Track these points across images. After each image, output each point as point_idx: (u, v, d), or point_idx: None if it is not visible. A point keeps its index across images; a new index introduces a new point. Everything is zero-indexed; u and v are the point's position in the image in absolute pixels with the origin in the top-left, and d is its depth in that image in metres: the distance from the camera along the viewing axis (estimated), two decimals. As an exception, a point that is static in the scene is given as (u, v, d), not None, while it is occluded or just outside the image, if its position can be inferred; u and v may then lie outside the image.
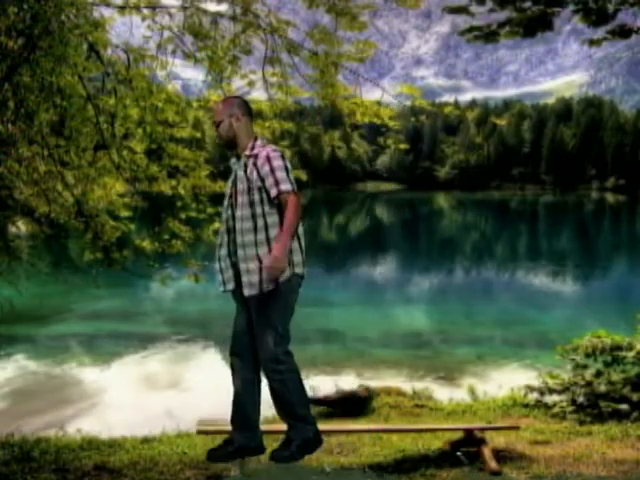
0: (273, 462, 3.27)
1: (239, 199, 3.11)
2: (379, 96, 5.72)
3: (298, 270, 3.13)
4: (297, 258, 3.13)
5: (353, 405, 7.42)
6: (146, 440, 5.54)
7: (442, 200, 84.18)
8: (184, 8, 5.25)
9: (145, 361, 10.55)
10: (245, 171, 3.12)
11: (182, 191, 5.50)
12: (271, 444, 5.22)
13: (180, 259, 5.74)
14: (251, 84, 5.60)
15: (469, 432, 4.81)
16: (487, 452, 4.54)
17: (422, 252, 30.77)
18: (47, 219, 5.20)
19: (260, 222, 3.06)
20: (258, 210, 3.06)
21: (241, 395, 3.23)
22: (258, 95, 6.19)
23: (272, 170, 3.03)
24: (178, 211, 5.65)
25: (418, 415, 7.24)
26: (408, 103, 5.65)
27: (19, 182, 4.87)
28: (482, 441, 4.64)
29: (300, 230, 3.15)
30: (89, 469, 4.28)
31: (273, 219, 3.07)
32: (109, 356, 10.63)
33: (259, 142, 3.20)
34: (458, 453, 4.83)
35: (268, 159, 3.06)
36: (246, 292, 3.07)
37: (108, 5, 5.10)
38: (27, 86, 4.29)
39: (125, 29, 5.68)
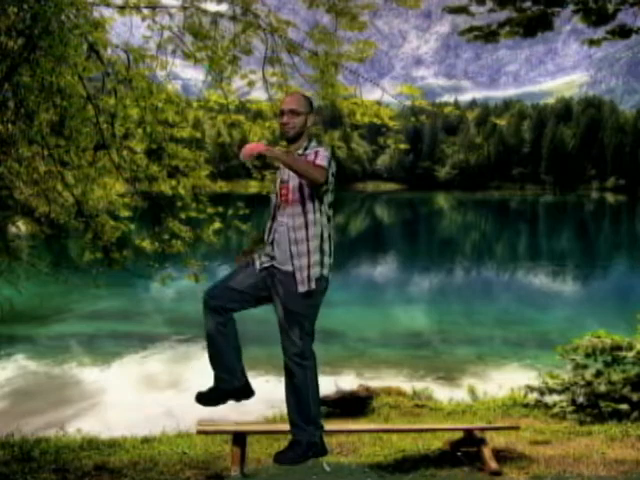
0: (276, 463, 3.26)
1: (290, 196, 3.14)
2: (379, 96, 5.71)
3: (325, 272, 3.16)
4: (327, 260, 3.17)
5: (353, 405, 7.42)
6: (146, 440, 5.55)
7: (442, 200, 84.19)
8: (184, 8, 5.25)
9: (145, 361, 10.55)
10: None
11: (182, 191, 5.50)
12: (271, 444, 5.23)
13: (180, 259, 5.74)
14: (251, 84, 5.59)
15: (469, 432, 4.81)
16: (487, 452, 4.54)
17: (422, 252, 30.77)
18: (47, 219, 5.20)
19: (311, 217, 3.11)
20: (309, 206, 3.11)
21: (212, 336, 3.23)
22: (258, 95, 6.18)
23: (316, 156, 3.08)
24: (178, 211, 5.65)
25: (418, 415, 7.24)
26: (408, 103, 5.65)
27: (19, 182, 4.87)
28: (482, 441, 4.64)
29: (332, 233, 3.20)
30: (89, 469, 4.28)
31: (324, 217, 3.13)
32: (109, 356, 10.63)
33: (314, 143, 3.24)
34: (458, 453, 4.83)
35: (316, 152, 3.12)
36: (300, 289, 3.09)
37: (108, 5, 5.10)
38: (27, 86, 4.29)
39: (125, 29, 5.68)
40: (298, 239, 3.11)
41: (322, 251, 3.13)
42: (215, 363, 3.27)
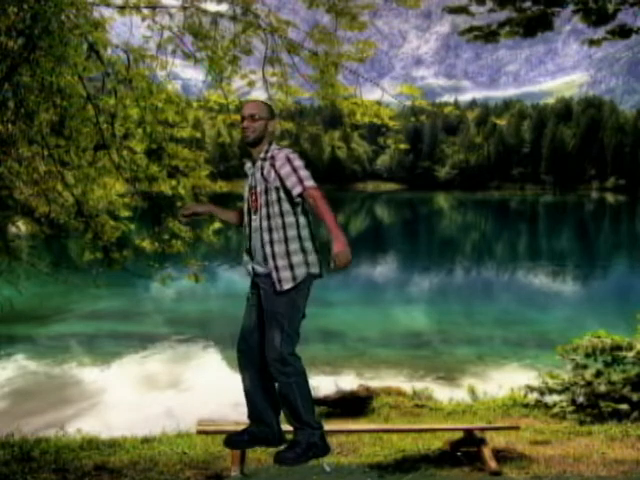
0: (277, 463, 3.24)
1: (259, 200, 3.17)
2: (379, 96, 5.71)
3: (312, 270, 3.15)
4: (311, 258, 3.16)
5: (353, 405, 7.42)
6: (146, 440, 5.55)
7: (442, 200, 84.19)
8: (184, 8, 5.25)
9: (145, 361, 10.55)
10: (262, 173, 3.18)
11: (182, 191, 5.50)
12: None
13: (180, 259, 5.74)
14: (251, 84, 5.59)
15: (469, 432, 4.81)
16: (487, 452, 4.54)
17: (422, 252, 30.77)
18: (47, 219, 5.19)
19: (277, 221, 3.12)
20: (275, 209, 3.12)
21: (250, 393, 3.25)
22: (258, 95, 6.17)
23: (294, 169, 3.09)
24: (178, 211, 5.64)
25: (418, 415, 7.24)
26: (408, 103, 5.65)
27: (19, 182, 4.87)
28: (482, 441, 4.64)
29: (312, 231, 3.21)
30: (89, 469, 4.28)
31: (290, 219, 3.13)
32: (109, 356, 10.63)
33: (274, 146, 3.26)
34: (458, 453, 4.83)
35: (288, 159, 3.12)
36: (277, 288, 3.10)
37: (108, 5, 5.09)
38: (27, 86, 4.29)
39: (125, 29, 5.67)
40: (274, 240, 3.11)
41: (304, 251, 3.13)
42: (252, 416, 3.30)
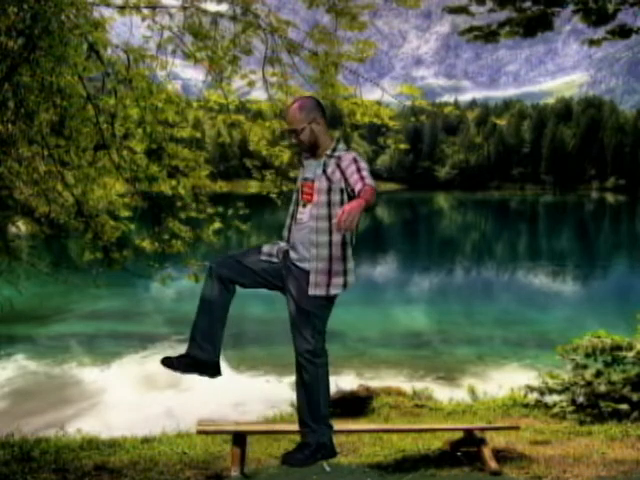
0: (285, 465, 3.22)
1: (315, 197, 3.08)
2: (379, 96, 5.71)
3: (350, 279, 3.17)
4: (351, 266, 3.17)
5: (353, 405, 7.42)
6: (146, 440, 5.55)
7: (442, 200, 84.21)
8: (184, 8, 5.25)
9: (145, 361, 10.55)
10: (325, 170, 3.10)
11: (182, 191, 5.50)
12: (271, 444, 5.23)
13: (180, 259, 5.74)
14: (251, 84, 5.59)
15: (469, 432, 4.80)
16: (487, 452, 4.54)
17: (422, 252, 30.76)
18: (47, 219, 5.20)
19: None
20: (338, 212, 2.99)
21: (211, 305, 3.13)
22: (258, 95, 6.19)
23: (359, 169, 3.02)
24: (178, 211, 5.64)
25: (418, 415, 7.24)
26: (408, 103, 5.64)
27: (19, 182, 4.87)
28: (482, 441, 4.63)
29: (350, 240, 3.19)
30: (89, 469, 4.28)
31: None
32: (109, 356, 10.63)
33: (342, 145, 3.18)
34: (458, 453, 4.82)
35: (355, 160, 3.06)
36: (311, 291, 3.07)
37: (108, 5, 5.09)
38: (27, 86, 4.30)
39: (125, 29, 5.67)
40: (320, 242, 3.06)
41: (346, 258, 3.12)
42: (199, 330, 3.14)
